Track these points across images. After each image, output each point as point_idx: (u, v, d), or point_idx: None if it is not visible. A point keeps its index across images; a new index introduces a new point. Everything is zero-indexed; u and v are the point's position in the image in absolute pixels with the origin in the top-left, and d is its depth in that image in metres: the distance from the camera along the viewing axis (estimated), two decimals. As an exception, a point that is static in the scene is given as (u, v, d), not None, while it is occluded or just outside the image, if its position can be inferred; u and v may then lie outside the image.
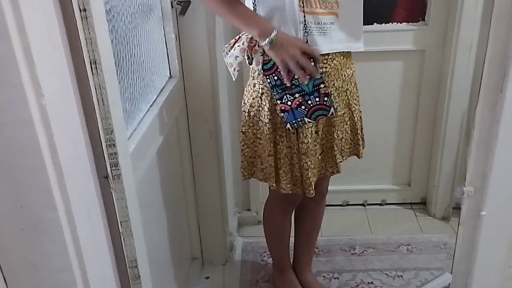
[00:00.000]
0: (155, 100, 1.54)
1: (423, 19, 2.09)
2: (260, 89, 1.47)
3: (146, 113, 1.46)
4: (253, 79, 1.49)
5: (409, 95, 2.22)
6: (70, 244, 0.75)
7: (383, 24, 2.09)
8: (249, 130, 1.53)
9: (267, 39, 1.31)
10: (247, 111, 1.52)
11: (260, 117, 1.49)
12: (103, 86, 0.84)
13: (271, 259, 2.00)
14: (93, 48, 0.81)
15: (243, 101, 1.55)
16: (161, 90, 1.61)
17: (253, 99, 1.49)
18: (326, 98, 1.40)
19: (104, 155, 0.87)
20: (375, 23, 2.09)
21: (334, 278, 2.01)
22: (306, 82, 1.37)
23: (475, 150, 0.74)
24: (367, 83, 2.13)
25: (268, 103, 1.46)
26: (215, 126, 1.86)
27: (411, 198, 2.44)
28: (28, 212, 0.70)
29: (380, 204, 2.46)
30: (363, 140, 1.63)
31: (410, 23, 2.09)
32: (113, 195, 0.90)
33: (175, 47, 1.69)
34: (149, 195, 1.43)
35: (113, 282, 0.92)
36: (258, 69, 1.42)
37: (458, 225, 0.90)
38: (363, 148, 1.63)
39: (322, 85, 1.39)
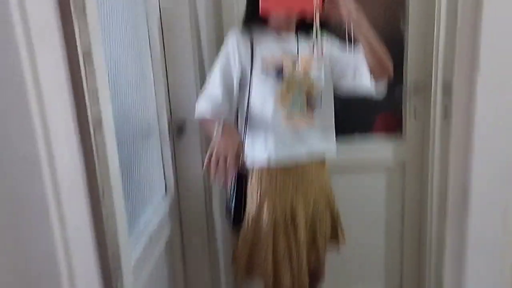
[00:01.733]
0: (150, 220, 1.59)
1: (401, 133, 2.25)
2: (258, 193, 1.67)
3: (142, 233, 1.50)
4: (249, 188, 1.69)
5: (394, 204, 2.31)
6: None
7: (364, 133, 2.25)
8: (249, 229, 1.68)
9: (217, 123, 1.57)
10: (248, 215, 1.68)
11: (259, 218, 1.66)
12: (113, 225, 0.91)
13: None
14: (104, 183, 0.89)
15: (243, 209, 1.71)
16: (157, 208, 1.67)
17: (252, 202, 1.67)
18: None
19: None
20: (356, 132, 2.24)
21: None
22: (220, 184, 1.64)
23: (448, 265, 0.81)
24: (352, 193, 2.24)
25: (265, 203, 1.65)
26: (209, 242, 1.90)
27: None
28: None
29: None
30: (342, 229, 1.85)
31: (389, 136, 2.25)
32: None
33: (171, 166, 1.79)
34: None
35: None
36: None
37: None
38: (343, 237, 1.85)
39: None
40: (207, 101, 1.63)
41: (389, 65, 1.61)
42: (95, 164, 0.84)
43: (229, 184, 1.68)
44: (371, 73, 1.62)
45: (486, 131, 0.90)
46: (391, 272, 2.41)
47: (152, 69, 1.67)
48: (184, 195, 1.85)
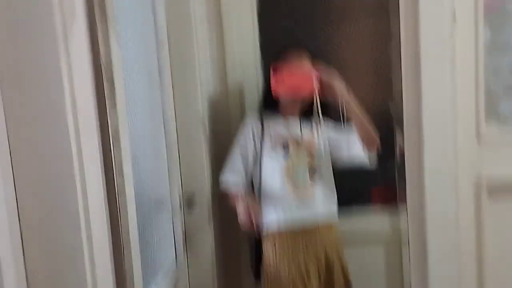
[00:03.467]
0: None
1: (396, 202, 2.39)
2: (274, 253, 1.90)
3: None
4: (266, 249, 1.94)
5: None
6: None
7: (361, 205, 2.37)
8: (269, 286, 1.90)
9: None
10: (267, 272, 1.92)
11: (277, 274, 1.88)
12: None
13: None
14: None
15: (262, 267, 1.95)
16: (167, 279, 1.77)
17: (269, 262, 1.90)
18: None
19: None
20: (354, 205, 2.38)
21: None
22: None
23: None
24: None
25: (281, 262, 1.89)
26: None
27: None
28: None
29: None
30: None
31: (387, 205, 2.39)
32: None
33: (181, 239, 1.92)
34: None
35: None
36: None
37: None
38: None
39: None
40: (231, 174, 1.97)
41: (376, 138, 1.91)
42: (119, 224, 1.03)
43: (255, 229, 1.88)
44: (362, 145, 1.91)
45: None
46: None
47: (166, 146, 1.88)
48: (193, 267, 1.98)
